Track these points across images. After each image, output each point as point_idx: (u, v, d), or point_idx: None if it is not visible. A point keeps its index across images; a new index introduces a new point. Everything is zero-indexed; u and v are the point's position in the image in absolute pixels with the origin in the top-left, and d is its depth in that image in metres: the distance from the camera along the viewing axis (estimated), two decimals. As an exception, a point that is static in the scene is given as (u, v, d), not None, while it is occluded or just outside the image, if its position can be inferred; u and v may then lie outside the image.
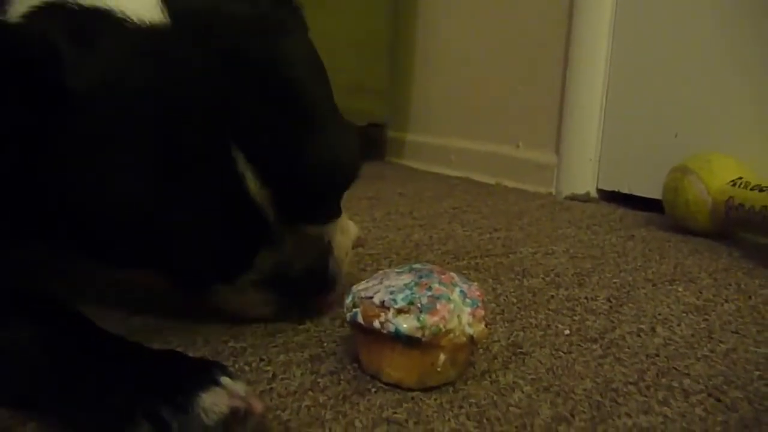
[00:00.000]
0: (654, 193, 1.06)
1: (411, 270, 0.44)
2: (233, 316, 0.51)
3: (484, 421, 0.39)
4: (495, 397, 0.42)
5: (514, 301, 0.61)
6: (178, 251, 0.43)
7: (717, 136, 0.98)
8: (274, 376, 0.43)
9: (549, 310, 0.58)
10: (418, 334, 0.39)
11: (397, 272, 0.44)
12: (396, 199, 1.13)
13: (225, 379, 0.34)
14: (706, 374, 0.46)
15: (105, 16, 0.40)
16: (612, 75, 1.15)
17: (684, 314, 0.58)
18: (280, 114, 0.43)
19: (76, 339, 0.38)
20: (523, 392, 0.42)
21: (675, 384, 0.44)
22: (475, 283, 0.44)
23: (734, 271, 0.73)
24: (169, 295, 0.52)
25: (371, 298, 0.41)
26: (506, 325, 0.54)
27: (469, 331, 0.41)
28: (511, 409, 0.40)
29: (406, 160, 1.65)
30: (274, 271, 0.48)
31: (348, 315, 0.43)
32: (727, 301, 0.62)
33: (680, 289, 0.66)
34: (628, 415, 0.40)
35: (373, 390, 0.42)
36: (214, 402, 0.32)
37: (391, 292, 0.41)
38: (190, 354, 0.45)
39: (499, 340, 0.51)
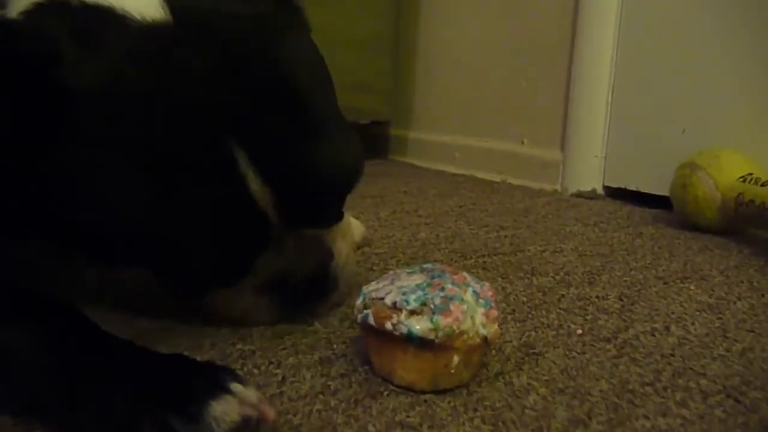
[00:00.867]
0: (661, 189, 1.05)
1: (422, 270, 0.43)
2: (233, 322, 0.50)
3: (500, 424, 0.38)
4: (509, 400, 0.41)
5: (525, 300, 0.60)
6: (179, 252, 0.42)
7: (725, 131, 0.97)
8: (284, 379, 0.42)
9: (560, 309, 0.58)
10: (432, 336, 0.39)
11: (408, 272, 0.43)
12: (400, 198, 1.12)
13: (236, 386, 0.33)
14: (723, 374, 0.45)
15: (107, 13, 0.39)
16: (618, 70, 1.14)
17: (697, 313, 0.57)
18: (282, 115, 0.42)
19: (81, 342, 0.37)
20: (537, 394, 0.42)
21: (692, 385, 0.43)
22: (487, 283, 0.44)
23: (745, 268, 0.72)
24: (171, 297, 0.52)
25: (383, 299, 0.40)
26: (517, 325, 0.53)
27: (483, 332, 0.40)
28: (526, 411, 0.39)
29: (409, 157, 1.64)
30: (274, 276, 0.47)
31: (359, 316, 0.42)
32: (740, 299, 0.61)
33: (692, 287, 0.65)
34: (646, 417, 0.39)
35: (385, 393, 0.41)
36: (224, 411, 0.31)
37: (404, 293, 0.40)
38: (198, 357, 0.45)
39: (511, 341, 0.50)
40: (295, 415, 0.38)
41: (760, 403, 0.41)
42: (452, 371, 0.40)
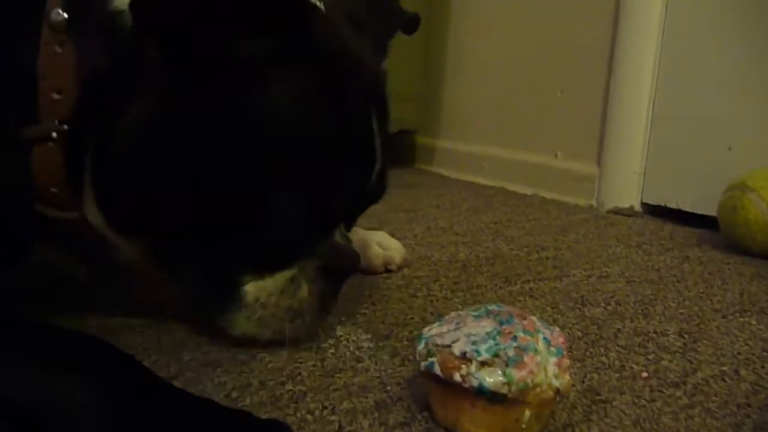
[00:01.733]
0: (704, 208, 1.01)
1: (488, 313, 0.40)
2: (241, 342, 0.49)
3: (577, 487, 0.35)
4: (583, 457, 0.38)
5: (580, 335, 0.57)
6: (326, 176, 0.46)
7: (776, 151, 0.94)
8: (341, 427, 0.40)
9: (619, 346, 0.55)
10: (504, 390, 0.36)
11: (474, 315, 0.40)
12: (433, 213, 1.09)
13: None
14: (807, 430, 0.42)
15: None
16: (660, 81, 1.10)
17: (765, 353, 0.54)
18: (386, 120, 0.52)
19: (137, 395, 0.35)
20: (612, 451, 0.39)
21: (777, 442, 0.40)
22: (557, 329, 0.41)
23: (805, 299, 0.69)
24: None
25: (450, 347, 0.38)
26: (577, 365, 0.51)
27: (556, 383, 0.38)
28: (603, 472, 0.37)
29: (436, 167, 1.61)
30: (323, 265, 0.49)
31: (422, 364, 0.39)
32: (807, 336, 0.58)
33: (753, 322, 0.62)
34: (734, 482, 0.36)
35: (450, 446, 0.38)
36: None
37: (473, 342, 0.37)
38: (247, 399, 0.43)
39: (574, 384, 0.47)
40: (356, 472, 0.36)
41: None
42: (523, 426, 0.38)
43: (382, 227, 0.83)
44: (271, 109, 0.43)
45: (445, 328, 0.40)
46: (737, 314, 0.64)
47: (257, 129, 0.43)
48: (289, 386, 0.45)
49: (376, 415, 0.42)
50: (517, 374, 0.36)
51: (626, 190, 1.15)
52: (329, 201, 0.47)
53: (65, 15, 0.44)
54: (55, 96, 0.44)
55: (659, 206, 1.11)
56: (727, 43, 1.00)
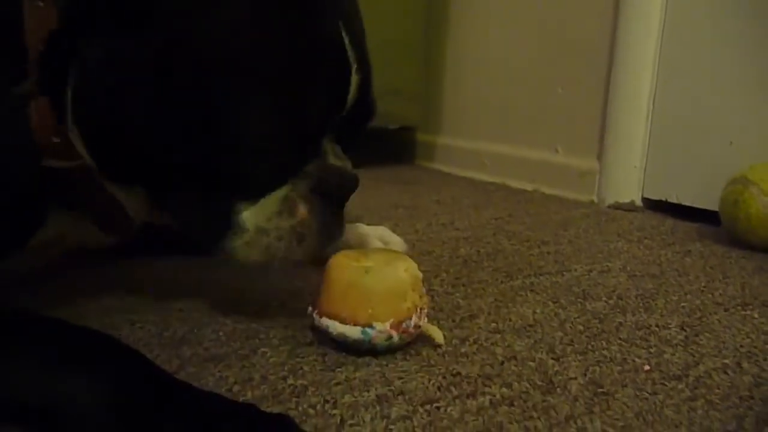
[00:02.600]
0: (705, 203, 1.01)
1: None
2: (242, 264, 0.48)
3: (580, 479, 0.35)
4: (586, 450, 0.38)
5: (581, 329, 0.57)
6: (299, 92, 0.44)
7: (777, 145, 0.93)
8: (343, 421, 0.40)
9: (620, 339, 0.55)
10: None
11: None
12: (434, 208, 1.09)
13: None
14: (810, 421, 0.42)
15: None
16: (661, 74, 1.09)
17: (767, 346, 0.54)
18: (361, 35, 0.49)
19: (145, 390, 0.35)
20: (615, 443, 0.39)
21: (779, 434, 0.40)
22: None
23: (807, 293, 0.68)
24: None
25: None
26: (579, 358, 0.50)
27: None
28: (606, 464, 0.37)
29: (436, 163, 1.61)
30: (318, 182, 0.48)
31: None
32: (809, 329, 0.58)
33: (756, 316, 0.61)
34: (737, 474, 0.36)
35: (451, 439, 0.38)
36: None
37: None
38: (248, 393, 0.43)
39: (576, 377, 0.47)
40: (358, 465, 0.35)
41: None
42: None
43: (383, 223, 0.83)
44: (231, 21, 0.43)
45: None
46: (739, 307, 0.64)
47: (217, 40, 0.42)
48: (290, 380, 0.45)
49: (377, 408, 0.42)
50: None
51: (627, 185, 1.14)
52: (303, 111, 0.45)
53: None
54: (41, 48, 0.44)
55: (660, 201, 1.11)
56: (727, 36, 1.00)
